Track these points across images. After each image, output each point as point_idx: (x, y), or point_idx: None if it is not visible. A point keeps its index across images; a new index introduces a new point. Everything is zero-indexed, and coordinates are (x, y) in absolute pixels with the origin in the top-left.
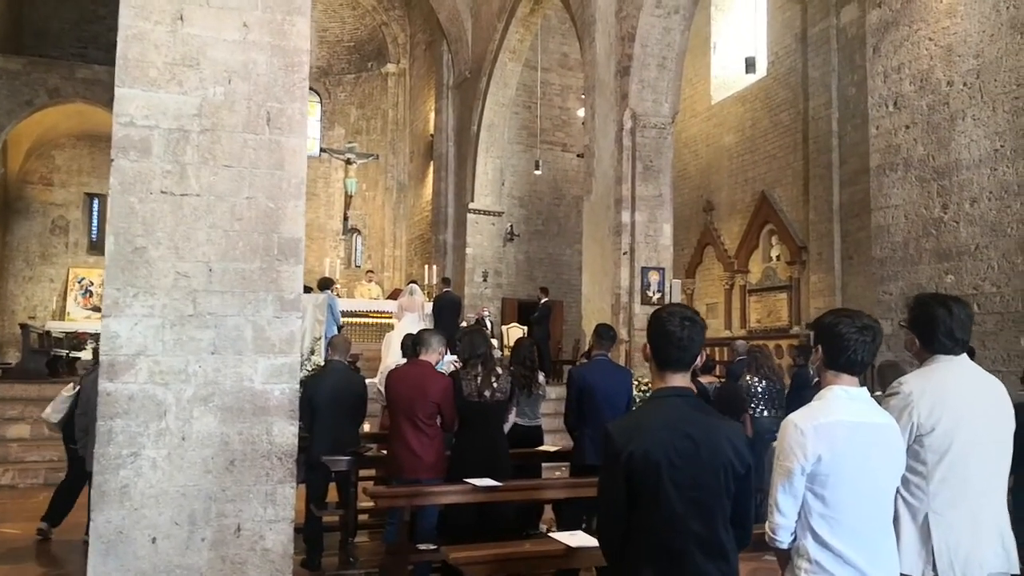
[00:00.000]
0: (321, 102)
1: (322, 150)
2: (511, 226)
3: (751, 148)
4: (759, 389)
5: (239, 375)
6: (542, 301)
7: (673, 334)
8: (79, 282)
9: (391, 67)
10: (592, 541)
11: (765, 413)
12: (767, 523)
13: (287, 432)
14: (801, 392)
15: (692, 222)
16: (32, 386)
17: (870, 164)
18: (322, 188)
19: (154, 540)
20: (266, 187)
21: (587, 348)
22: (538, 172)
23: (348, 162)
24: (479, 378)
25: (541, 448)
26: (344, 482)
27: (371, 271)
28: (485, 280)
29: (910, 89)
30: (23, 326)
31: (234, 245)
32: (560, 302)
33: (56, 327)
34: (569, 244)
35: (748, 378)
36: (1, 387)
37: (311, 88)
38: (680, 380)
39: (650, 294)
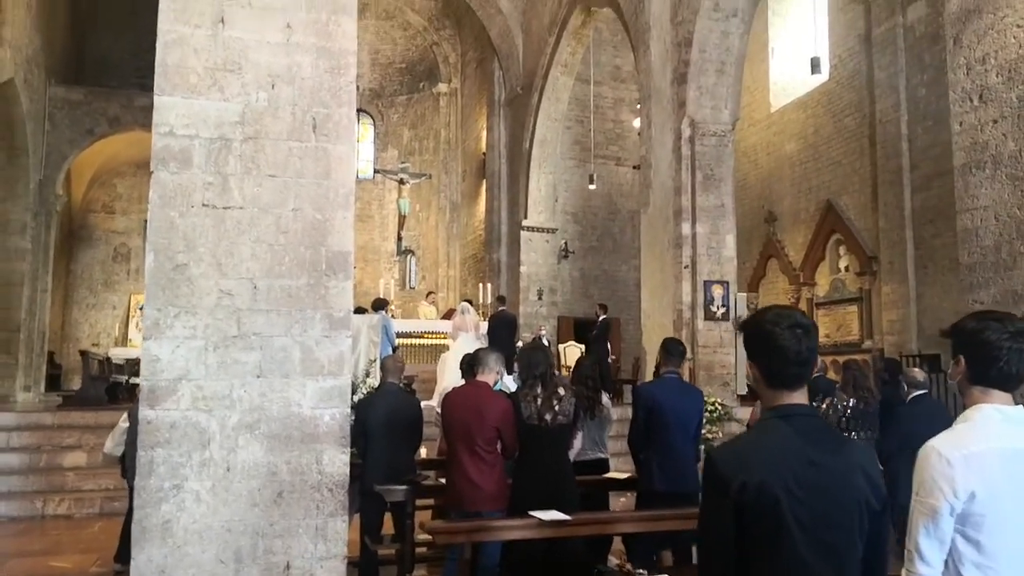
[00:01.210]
0: (374, 124)
1: (375, 171)
2: (565, 243)
3: (814, 155)
4: (856, 411)
5: (286, 400)
6: (600, 318)
7: (788, 350)
8: (140, 309)
9: (443, 87)
10: None
11: (856, 435)
12: (904, 574)
13: (338, 461)
14: (892, 412)
15: (754, 234)
16: (89, 413)
17: (954, 163)
18: (376, 210)
19: None
20: (313, 197)
21: (656, 365)
22: (592, 187)
23: (401, 182)
24: (539, 400)
25: (608, 475)
26: (400, 513)
27: (432, 292)
28: (540, 298)
29: (997, 81)
30: (83, 352)
31: (280, 260)
32: (617, 319)
33: (118, 354)
34: (625, 260)
35: (843, 397)
36: (58, 415)
37: (364, 111)
38: (797, 397)
39: (714, 309)
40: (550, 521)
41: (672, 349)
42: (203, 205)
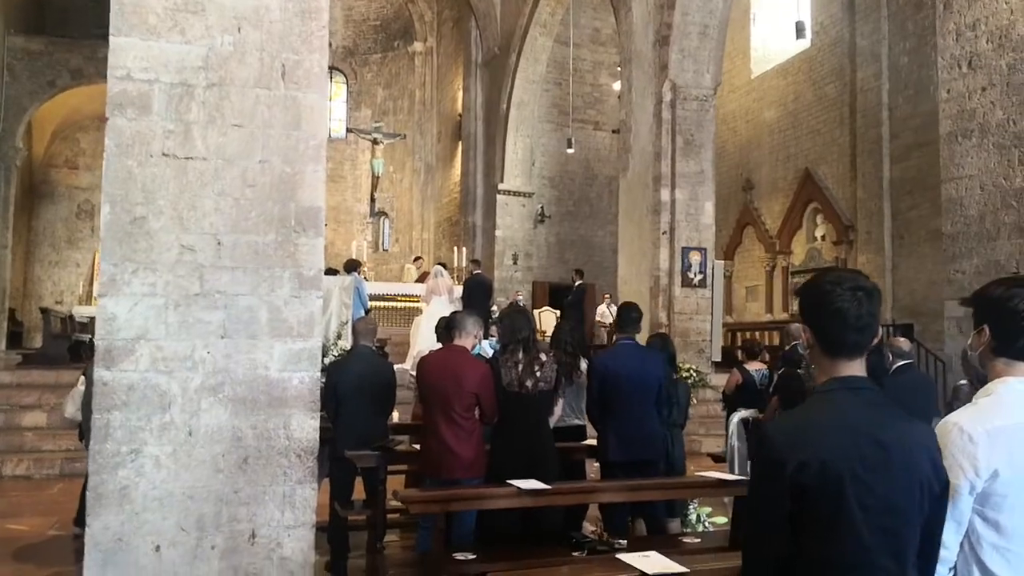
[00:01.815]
0: (347, 82)
1: (348, 130)
2: (542, 207)
3: (793, 123)
4: None
5: (253, 362)
6: (576, 284)
7: (846, 312)
8: None
9: (418, 46)
10: (670, 566)
11: None
12: None
13: (307, 426)
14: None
15: (731, 201)
16: (50, 372)
17: (940, 131)
18: (349, 170)
19: (158, 548)
20: (281, 149)
21: (611, 330)
22: (571, 150)
23: (375, 142)
24: (520, 365)
25: (586, 443)
26: (371, 479)
27: (419, 257)
28: (515, 263)
29: (987, 47)
30: (44, 310)
31: (246, 215)
32: (593, 285)
33: (81, 312)
34: (602, 225)
35: (814, 366)
36: (18, 373)
37: (337, 68)
38: (856, 368)
39: (691, 276)
40: (529, 490)
41: (626, 315)
42: (163, 155)
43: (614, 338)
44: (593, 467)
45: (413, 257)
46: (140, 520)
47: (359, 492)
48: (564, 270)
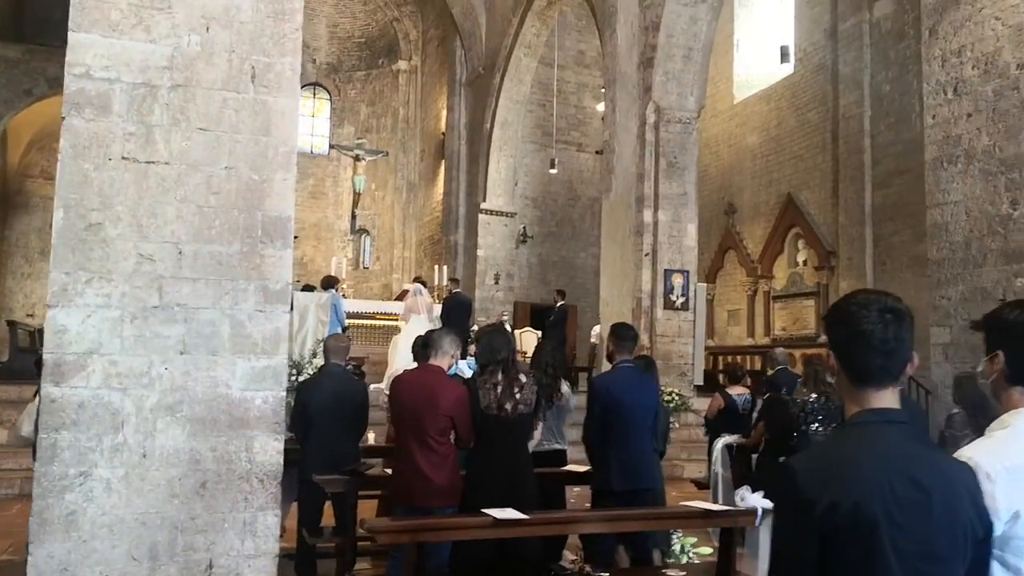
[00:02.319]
0: (331, 99)
1: (331, 146)
2: (524, 227)
3: (776, 148)
4: (816, 405)
5: (213, 380)
6: (558, 304)
7: (871, 335)
8: None
9: (403, 64)
10: None
11: (820, 430)
12: None
13: (270, 448)
14: None
15: (713, 225)
16: (13, 387)
17: (925, 157)
18: (330, 187)
19: None
20: (249, 156)
21: (607, 353)
22: (554, 171)
23: (357, 159)
24: (499, 387)
25: (567, 468)
26: (341, 504)
27: (418, 277)
28: (497, 283)
29: (973, 74)
30: (11, 323)
31: (209, 224)
32: (574, 307)
33: None
34: (584, 247)
35: (804, 392)
36: None
37: (320, 85)
38: (888, 399)
39: (673, 298)
40: (506, 520)
41: (623, 335)
42: (123, 158)
43: (613, 360)
44: (573, 492)
45: (414, 277)
46: (88, 548)
47: (329, 517)
48: (546, 291)
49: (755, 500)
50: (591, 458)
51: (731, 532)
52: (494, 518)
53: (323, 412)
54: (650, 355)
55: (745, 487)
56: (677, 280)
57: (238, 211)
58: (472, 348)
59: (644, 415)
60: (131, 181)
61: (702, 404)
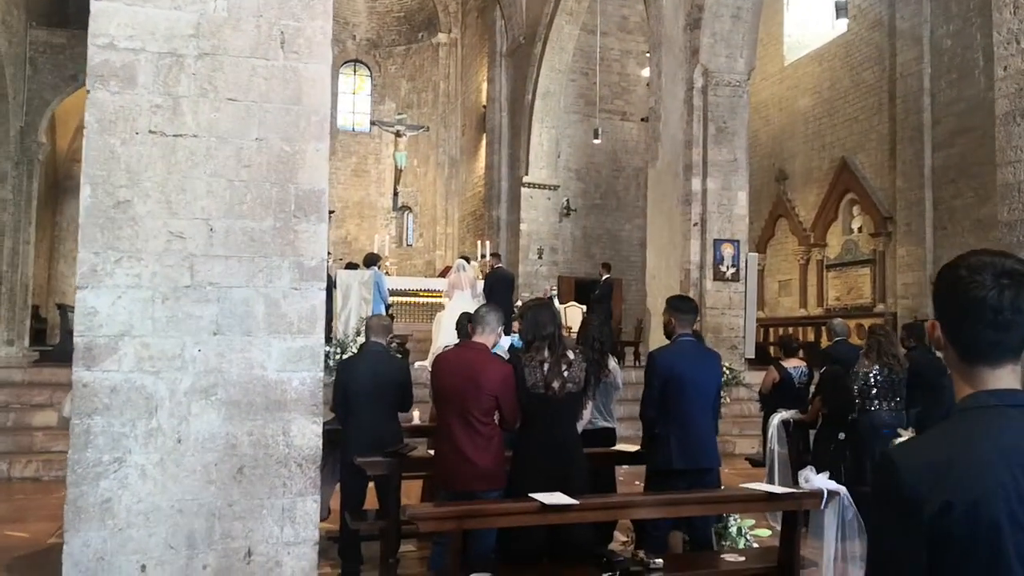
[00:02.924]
0: (371, 75)
1: (372, 123)
2: (567, 200)
3: (829, 111)
4: (879, 378)
5: (248, 361)
6: (603, 278)
7: (983, 303)
8: None
9: (442, 37)
10: None
11: (882, 406)
12: None
13: (308, 432)
14: (922, 381)
15: (763, 192)
16: (62, 370)
17: (996, 111)
18: (372, 165)
19: (143, 568)
20: (280, 126)
21: (665, 326)
22: (597, 141)
23: (398, 135)
24: (546, 365)
25: (616, 448)
26: (384, 487)
27: (464, 255)
28: (540, 257)
29: None
30: (60, 306)
31: (241, 198)
32: (619, 280)
33: None
34: (629, 219)
35: (866, 365)
36: (31, 371)
37: (360, 61)
38: (1008, 379)
39: (723, 269)
40: (555, 505)
41: (683, 307)
42: (150, 132)
43: (673, 334)
44: (621, 470)
45: (459, 254)
46: (124, 537)
47: (373, 499)
48: (590, 264)
49: (820, 481)
50: (648, 436)
51: (795, 515)
52: (542, 503)
53: (363, 392)
54: (699, 329)
55: (809, 468)
56: (727, 250)
57: (270, 184)
58: (515, 324)
59: (707, 392)
60: (159, 156)
61: (754, 378)
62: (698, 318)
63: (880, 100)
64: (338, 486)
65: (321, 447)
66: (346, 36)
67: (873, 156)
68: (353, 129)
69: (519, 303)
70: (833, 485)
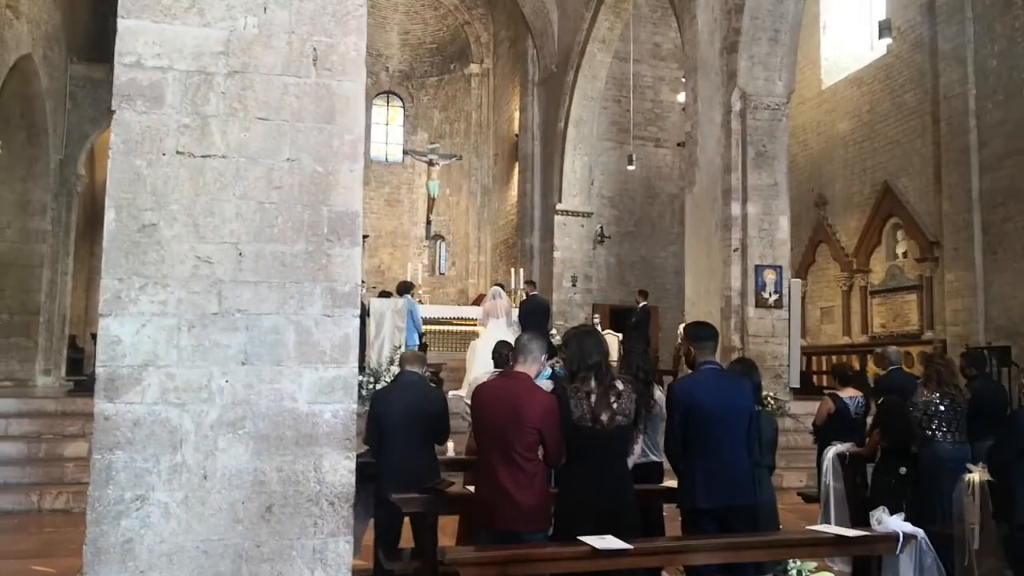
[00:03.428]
0: (404, 106)
1: (405, 152)
2: (601, 227)
3: (869, 135)
4: (941, 408)
5: (278, 392)
6: (640, 305)
7: None
8: None
9: (474, 67)
10: None
11: (944, 437)
12: None
13: (341, 468)
14: (985, 413)
15: (802, 218)
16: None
17: None
18: (406, 194)
19: None
20: (313, 146)
21: (685, 356)
22: (631, 168)
23: (431, 163)
24: (593, 396)
25: (664, 485)
26: (420, 524)
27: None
28: (574, 285)
29: None
30: (94, 335)
31: (271, 221)
32: (655, 308)
33: None
34: (663, 246)
35: (926, 395)
36: (64, 401)
37: (394, 92)
38: None
39: (766, 296)
40: (607, 550)
41: (700, 334)
42: (177, 152)
43: (695, 362)
44: (668, 510)
45: (493, 283)
46: None
47: (409, 537)
48: (625, 292)
49: (895, 523)
50: (676, 472)
51: (869, 561)
52: (593, 548)
53: (398, 423)
54: (745, 356)
55: (882, 508)
56: (769, 276)
57: (302, 207)
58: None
59: (734, 421)
60: (186, 177)
61: (799, 408)
62: (738, 347)
63: (923, 123)
64: (371, 521)
65: (354, 483)
66: (379, 68)
67: (917, 180)
68: (386, 159)
69: (554, 331)
70: (910, 528)
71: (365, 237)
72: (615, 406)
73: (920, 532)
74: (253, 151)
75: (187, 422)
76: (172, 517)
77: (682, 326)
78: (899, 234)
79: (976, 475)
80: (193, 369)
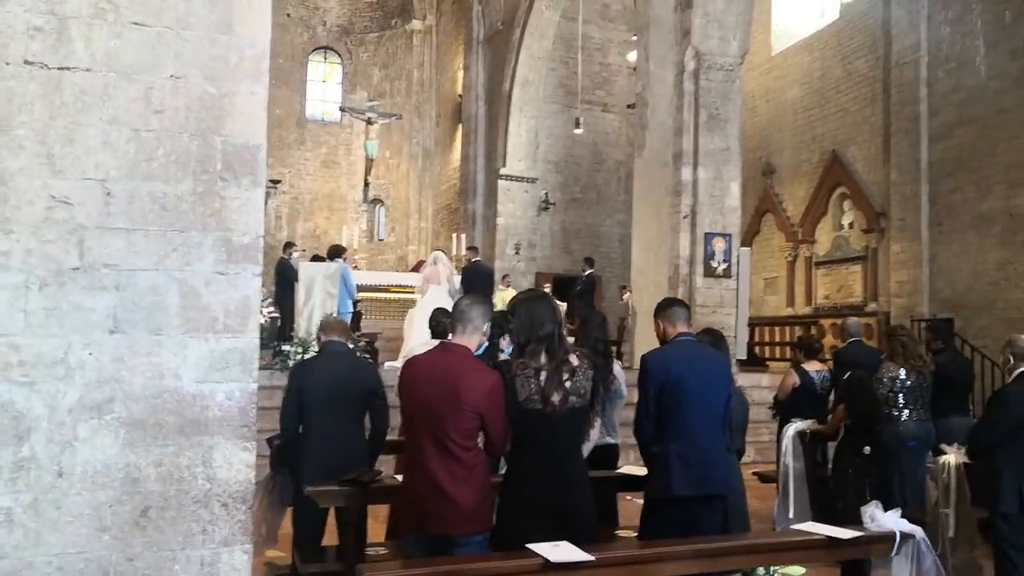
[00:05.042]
0: (342, 63)
1: (341, 109)
2: (546, 194)
3: (819, 102)
4: (908, 383)
5: (157, 368)
6: (586, 273)
7: None
8: None
9: (416, 23)
10: None
11: (909, 415)
12: None
13: (238, 461)
14: (951, 386)
15: (749, 187)
16: None
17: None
18: (343, 156)
19: None
20: (203, 60)
21: (659, 334)
22: (579, 131)
23: (369, 122)
24: (543, 373)
25: (620, 472)
26: (345, 520)
27: (507, 275)
28: (517, 253)
29: None
30: None
31: (149, 154)
32: (599, 277)
33: None
34: (609, 214)
35: (892, 369)
36: None
37: (331, 48)
38: None
39: (715, 264)
40: (562, 562)
41: (670, 303)
42: (26, 62)
43: (667, 336)
44: (625, 499)
45: (502, 275)
46: None
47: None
48: (569, 261)
49: (890, 521)
50: (644, 455)
51: (861, 565)
52: (546, 559)
53: (321, 402)
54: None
55: (874, 503)
56: (719, 244)
57: (189, 136)
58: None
59: (714, 400)
60: (38, 94)
61: (746, 380)
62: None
63: (873, 91)
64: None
65: (253, 481)
66: (316, 22)
67: (866, 149)
68: (323, 119)
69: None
70: (908, 526)
71: (277, 183)
72: (568, 385)
73: (919, 531)
74: (126, 64)
75: (37, 406)
76: (16, 526)
77: (627, 295)
78: (846, 204)
79: (952, 457)
80: (46, 339)
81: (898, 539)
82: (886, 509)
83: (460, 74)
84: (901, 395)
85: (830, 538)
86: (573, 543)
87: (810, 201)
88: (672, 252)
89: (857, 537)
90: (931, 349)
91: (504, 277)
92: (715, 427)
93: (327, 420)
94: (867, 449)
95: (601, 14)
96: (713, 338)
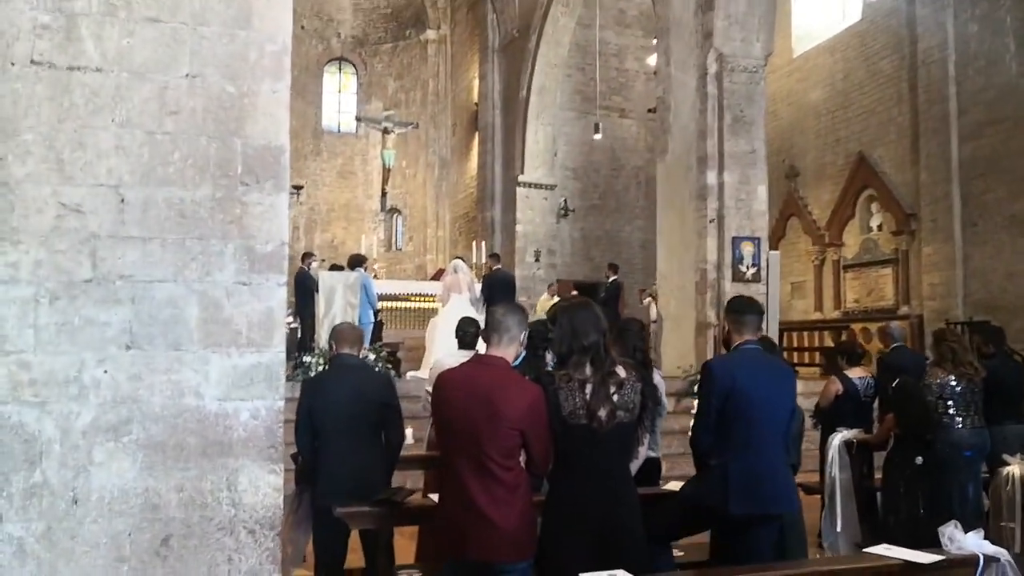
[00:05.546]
0: (357, 74)
1: (358, 119)
2: (565, 200)
3: (843, 104)
4: (957, 389)
5: (177, 386)
6: (610, 280)
7: None
8: None
9: (431, 33)
10: None
11: (963, 423)
12: None
13: (264, 484)
14: (1003, 392)
15: (773, 190)
16: None
17: None
18: (359, 166)
19: None
20: (221, 58)
21: (724, 338)
22: (598, 136)
23: (385, 132)
24: (589, 387)
25: (666, 489)
26: (372, 543)
27: (552, 284)
28: (537, 260)
29: None
30: None
31: (165, 158)
32: (623, 283)
33: None
34: (629, 220)
35: (940, 375)
36: None
37: (346, 59)
38: None
39: (743, 269)
40: None
41: (745, 308)
42: (32, 62)
43: (732, 343)
44: None
45: (548, 284)
46: None
47: (357, 548)
48: (590, 267)
49: (972, 543)
50: (699, 467)
51: None
52: None
53: (334, 419)
54: (769, 337)
55: (953, 524)
56: (747, 248)
57: (207, 139)
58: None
59: (779, 413)
60: (46, 96)
61: None
62: (713, 323)
63: (899, 91)
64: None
65: (281, 506)
66: (330, 33)
67: (893, 150)
68: (339, 130)
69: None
70: (991, 548)
71: (298, 188)
72: (616, 398)
73: (1004, 553)
74: (139, 63)
75: (49, 428)
76: (29, 557)
77: (647, 299)
78: (874, 206)
79: (1016, 467)
80: (57, 356)
81: (982, 562)
82: (941, 523)
83: (475, 83)
84: (951, 402)
85: (908, 562)
86: (625, 569)
87: (836, 204)
88: (698, 257)
89: (938, 561)
90: (982, 354)
91: (550, 286)
92: (778, 442)
93: (341, 437)
94: (919, 459)
95: (617, 20)
96: (766, 346)
